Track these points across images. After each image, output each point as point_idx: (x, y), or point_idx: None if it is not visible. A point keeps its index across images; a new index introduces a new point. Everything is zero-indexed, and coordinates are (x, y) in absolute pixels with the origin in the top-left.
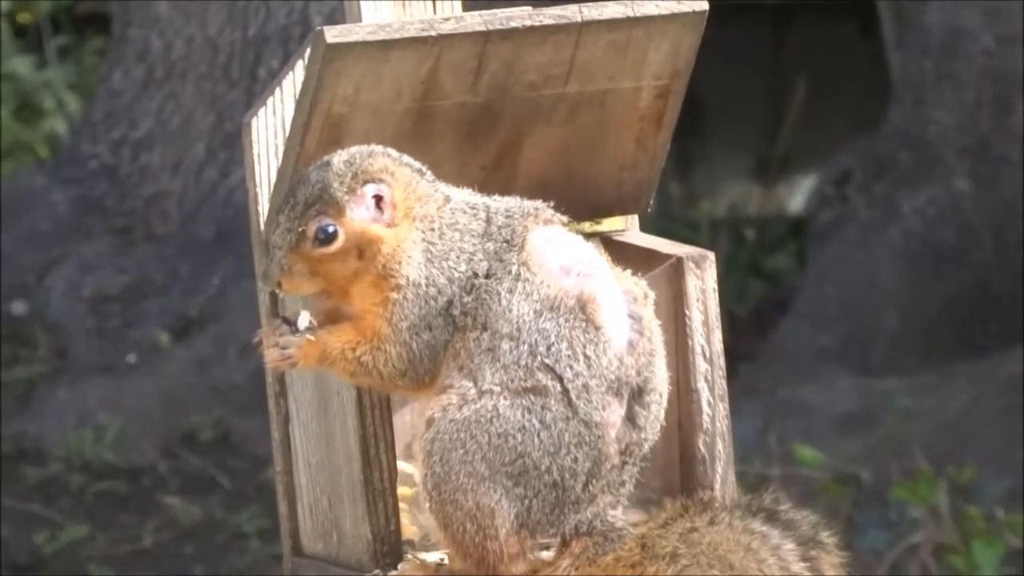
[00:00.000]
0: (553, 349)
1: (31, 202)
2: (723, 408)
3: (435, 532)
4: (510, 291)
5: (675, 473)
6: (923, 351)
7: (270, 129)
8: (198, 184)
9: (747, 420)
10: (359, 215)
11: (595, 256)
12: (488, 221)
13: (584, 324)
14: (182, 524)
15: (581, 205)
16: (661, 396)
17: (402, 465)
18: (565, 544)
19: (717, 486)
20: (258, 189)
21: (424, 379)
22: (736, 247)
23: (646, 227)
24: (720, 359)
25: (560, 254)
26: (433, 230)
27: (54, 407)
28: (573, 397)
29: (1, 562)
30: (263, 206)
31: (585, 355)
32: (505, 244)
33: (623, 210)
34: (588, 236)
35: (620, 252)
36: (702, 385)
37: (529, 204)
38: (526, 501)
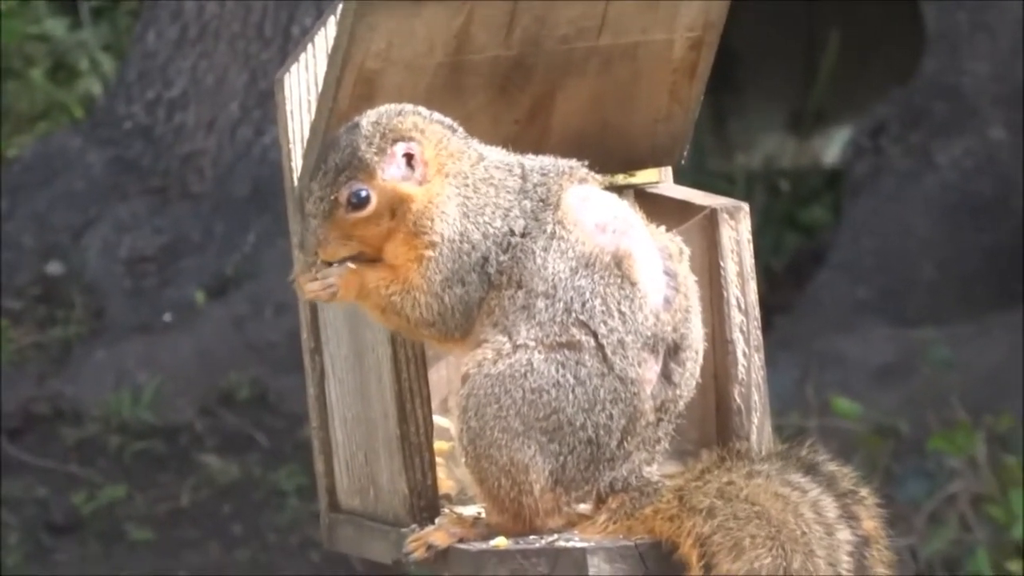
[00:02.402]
0: (588, 306)
1: (66, 163)
2: (758, 359)
3: (471, 486)
4: (545, 249)
5: (711, 424)
6: (960, 302)
7: (303, 85)
8: (233, 143)
9: (784, 372)
10: (390, 174)
11: (630, 214)
12: (524, 179)
13: (620, 280)
14: (219, 483)
15: (615, 158)
16: (697, 353)
17: (438, 419)
18: (601, 501)
19: (753, 436)
20: (291, 146)
21: (454, 333)
22: (771, 200)
23: (681, 180)
24: (755, 310)
25: (595, 212)
26: (467, 185)
27: (91, 367)
28: (608, 353)
29: (40, 522)
30: (296, 162)
31: (620, 311)
32: (541, 203)
33: (657, 162)
34: (622, 188)
35: (654, 204)
36: (737, 336)
37: (564, 163)
38: (561, 457)
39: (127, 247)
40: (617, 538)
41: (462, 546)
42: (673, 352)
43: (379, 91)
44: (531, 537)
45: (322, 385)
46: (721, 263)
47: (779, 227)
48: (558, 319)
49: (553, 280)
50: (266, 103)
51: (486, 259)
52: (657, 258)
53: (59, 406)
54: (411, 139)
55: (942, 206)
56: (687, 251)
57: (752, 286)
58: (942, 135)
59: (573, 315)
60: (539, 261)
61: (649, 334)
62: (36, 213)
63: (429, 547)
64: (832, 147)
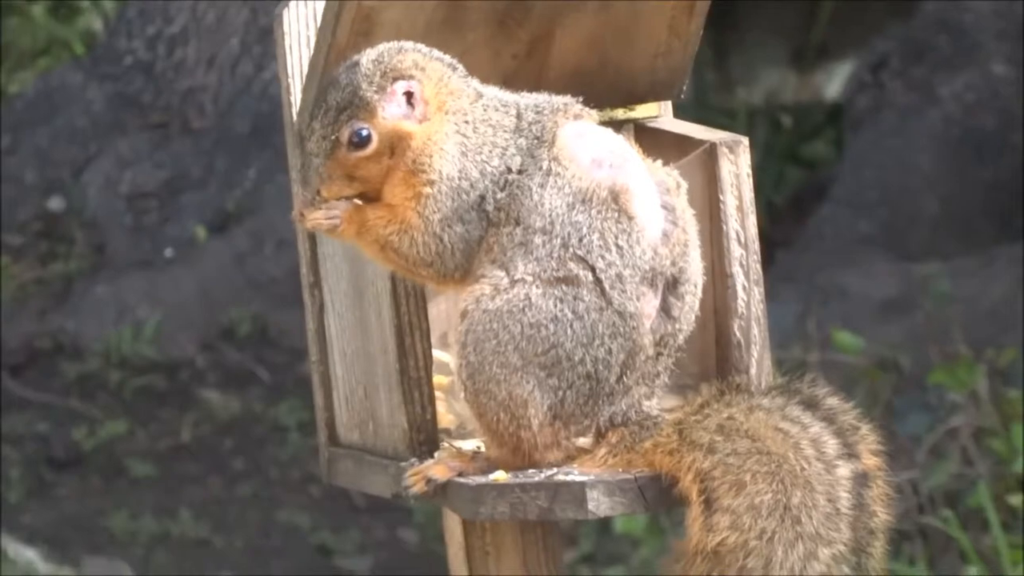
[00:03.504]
0: (585, 240)
1: (67, 99)
2: (758, 293)
3: (471, 421)
4: (542, 185)
5: (711, 358)
6: (962, 236)
7: (302, 20)
8: (233, 78)
9: (786, 307)
10: (391, 113)
11: (627, 148)
12: (519, 117)
13: (617, 215)
14: (221, 418)
15: (615, 92)
16: (695, 287)
17: (437, 354)
18: (601, 435)
19: (753, 370)
20: (290, 81)
21: (453, 274)
22: (773, 135)
23: (683, 116)
24: (755, 244)
25: (591, 147)
26: (467, 123)
27: (92, 303)
28: (607, 287)
29: (41, 457)
30: (296, 97)
31: (618, 245)
32: (536, 140)
33: (656, 97)
34: (621, 123)
35: (653, 138)
36: (737, 270)
37: (558, 99)
38: (560, 392)
39: (128, 183)
40: (616, 472)
41: (461, 480)
42: (672, 286)
43: (378, 26)
44: (530, 471)
45: (321, 320)
46: (721, 197)
47: (781, 162)
48: (555, 254)
49: (550, 216)
50: (266, 39)
51: (483, 197)
52: (654, 192)
53: (60, 342)
54: (411, 77)
55: (944, 141)
56: (684, 185)
57: (752, 220)
58: (944, 70)
59: (571, 250)
60: (536, 198)
61: (647, 268)
62: (37, 149)
63: (428, 481)
64: (834, 82)
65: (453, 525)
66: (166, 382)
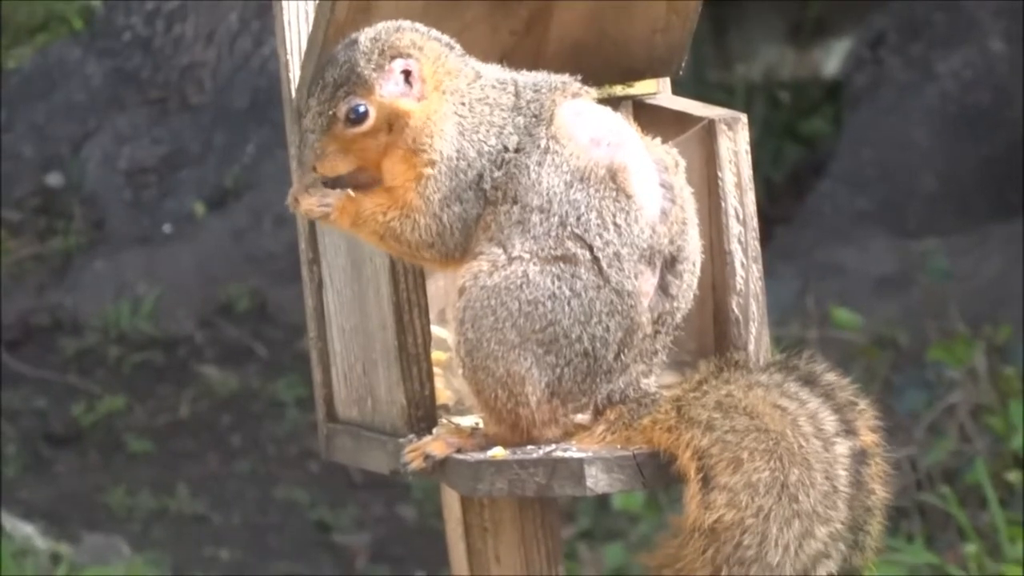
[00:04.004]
0: (583, 219)
1: (66, 74)
2: (756, 269)
3: (469, 397)
4: (539, 164)
5: (709, 335)
6: (960, 212)
7: None
8: (232, 54)
9: (784, 283)
10: (388, 91)
11: (625, 127)
12: (517, 95)
13: (615, 193)
14: (219, 394)
15: (613, 69)
16: (694, 265)
17: (436, 330)
18: (599, 413)
19: (751, 347)
20: (289, 56)
21: (454, 254)
22: (771, 111)
23: (681, 92)
24: (753, 220)
25: (589, 126)
26: (464, 104)
27: (90, 279)
28: (604, 266)
29: (39, 433)
30: (294, 73)
31: (616, 224)
32: (534, 118)
33: (655, 73)
34: (620, 99)
35: (652, 115)
36: (735, 247)
37: (557, 78)
38: (558, 369)
39: (126, 158)
40: (614, 449)
41: (460, 456)
42: (670, 264)
43: (377, 2)
44: (528, 447)
45: (320, 296)
46: (719, 174)
47: (779, 138)
48: (553, 233)
49: (548, 194)
50: (265, 14)
51: (481, 176)
52: (653, 170)
53: (58, 317)
54: (409, 56)
55: (941, 117)
56: (683, 163)
57: (750, 197)
58: (941, 46)
59: (568, 228)
60: (533, 176)
61: (645, 246)
62: (35, 124)
63: (427, 457)
64: (832, 59)
65: (451, 501)
66: (164, 358)
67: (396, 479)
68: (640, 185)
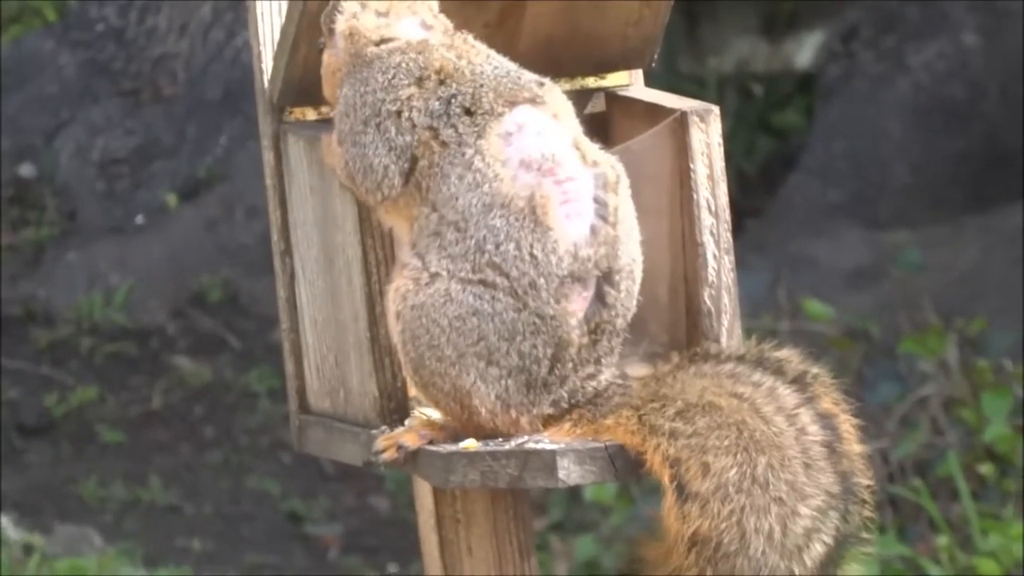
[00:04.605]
0: (502, 248)
1: (39, 65)
2: (728, 261)
3: None
4: (460, 178)
5: (681, 328)
6: (932, 205)
7: None
8: (205, 45)
9: (756, 275)
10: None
11: (563, 146)
12: (442, 83)
13: (533, 225)
14: (191, 385)
15: (586, 61)
16: (632, 273)
17: None
18: (557, 419)
19: (723, 339)
20: (262, 48)
21: (387, 192)
22: (744, 103)
23: (654, 84)
24: (725, 212)
25: (523, 146)
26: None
27: (63, 269)
28: (520, 293)
29: (11, 424)
30: (267, 65)
31: (532, 255)
32: (467, 117)
33: (628, 65)
34: (592, 91)
35: (624, 107)
36: (707, 239)
37: (516, 78)
38: (502, 381)
39: (99, 149)
40: (587, 440)
41: (432, 448)
42: (606, 276)
43: None
44: (500, 439)
45: (292, 287)
46: (691, 166)
47: (751, 131)
48: (470, 257)
49: (464, 213)
50: (238, 5)
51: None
52: (586, 191)
53: (31, 308)
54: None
55: (914, 110)
56: (626, 180)
57: (722, 188)
58: (914, 39)
59: (487, 256)
60: (452, 189)
61: (565, 274)
62: (8, 115)
63: (399, 448)
64: (804, 51)
65: (423, 493)
66: (137, 349)
67: (368, 470)
68: (562, 215)
